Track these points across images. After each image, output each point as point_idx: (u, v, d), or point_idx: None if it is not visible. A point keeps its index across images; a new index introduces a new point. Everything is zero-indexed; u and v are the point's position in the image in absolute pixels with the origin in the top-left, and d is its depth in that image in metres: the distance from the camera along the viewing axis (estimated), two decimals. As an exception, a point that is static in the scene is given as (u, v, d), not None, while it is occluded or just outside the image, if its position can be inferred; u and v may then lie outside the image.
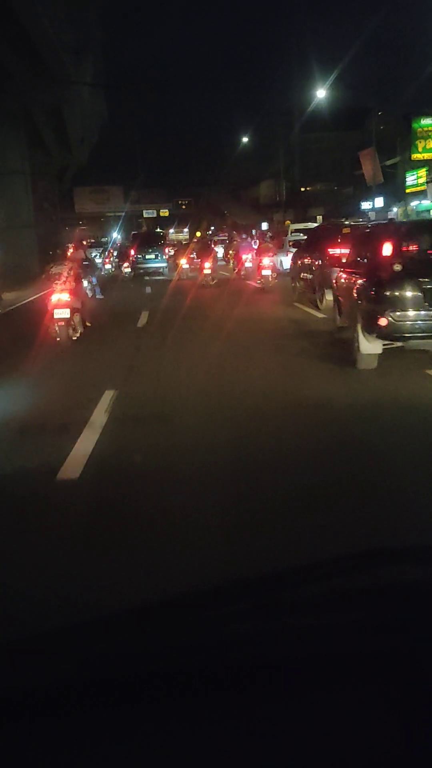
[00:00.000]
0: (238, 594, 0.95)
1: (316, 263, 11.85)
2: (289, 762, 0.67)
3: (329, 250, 11.37)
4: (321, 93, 31.84)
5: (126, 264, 26.70)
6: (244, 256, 20.36)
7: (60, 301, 9.25)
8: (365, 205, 35.07)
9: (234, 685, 0.75)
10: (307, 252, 13.15)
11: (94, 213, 61.33)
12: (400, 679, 0.76)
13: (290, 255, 18.06)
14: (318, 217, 35.70)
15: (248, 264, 19.73)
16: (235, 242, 26.34)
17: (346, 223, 13.14)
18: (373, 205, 33.55)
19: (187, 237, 47.83)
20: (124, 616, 0.91)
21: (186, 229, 59.10)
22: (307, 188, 47.55)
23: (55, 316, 9.20)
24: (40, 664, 0.79)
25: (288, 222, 39.11)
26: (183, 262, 21.99)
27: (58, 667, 0.78)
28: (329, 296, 9.87)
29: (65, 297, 9.32)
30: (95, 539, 3.05)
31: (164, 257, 26.50)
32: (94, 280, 15.90)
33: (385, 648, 0.80)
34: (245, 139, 48.07)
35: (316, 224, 24.32)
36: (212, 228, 62.96)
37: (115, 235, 49.33)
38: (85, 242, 24.66)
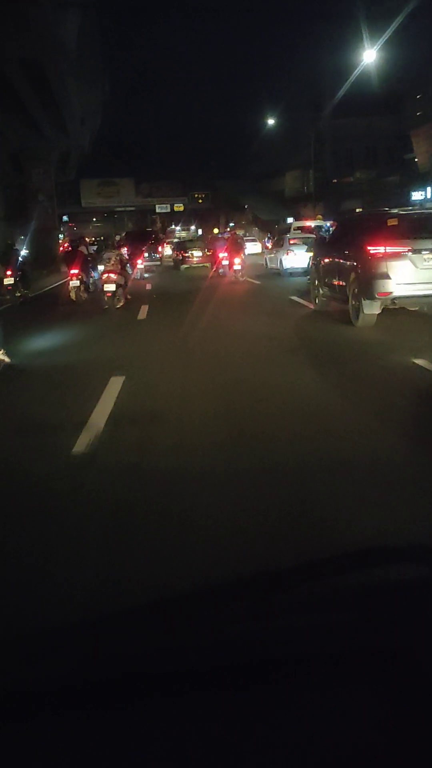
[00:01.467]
0: (236, 593, 0.95)
1: (351, 264, 9.16)
2: (289, 762, 0.67)
3: (370, 247, 8.49)
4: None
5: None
6: (220, 255, 20.72)
7: (109, 278, 12.62)
8: (416, 196, 29.36)
9: (233, 684, 0.75)
10: (334, 249, 10.24)
11: (102, 208, 56.22)
12: (399, 678, 0.76)
13: (290, 254, 18.66)
14: (318, 216, 32.33)
15: (225, 262, 20.22)
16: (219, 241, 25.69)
17: (394, 211, 9.53)
18: (427, 194, 27.88)
19: (195, 236, 45.23)
20: (123, 616, 0.92)
21: (193, 227, 54.90)
22: (341, 179, 42.05)
23: (105, 289, 12.60)
24: (38, 664, 0.80)
25: (319, 216, 34.83)
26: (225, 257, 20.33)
27: (57, 667, 0.78)
28: (371, 309, 8.41)
29: (112, 276, 12.63)
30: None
31: (157, 255, 27.59)
32: (95, 275, 16.05)
33: (384, 647, 0.80)
34: (269, 126, 43.08)
35: (315, 222, 23.57)
36: (231, 224, 57.80)
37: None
38: (88, 239, 25.08)
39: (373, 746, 0.68)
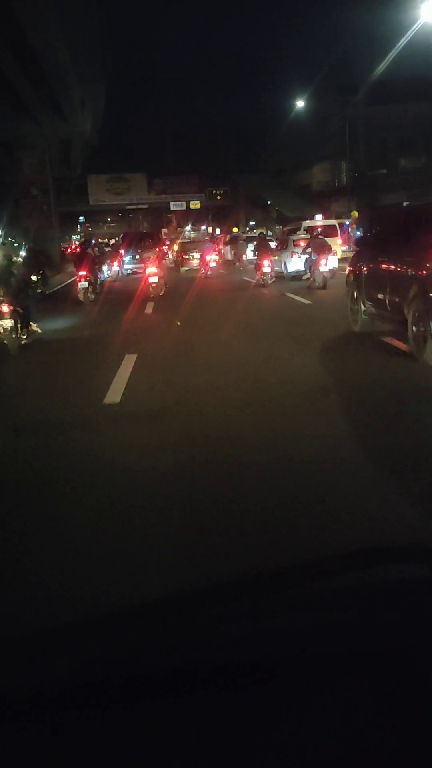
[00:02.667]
0: (235, 593, 0.95)
1: (411, 273, 6.50)
2: (288, 762, 0.68)
3: None
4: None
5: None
6: (208, 257, 21.21)
7: (152, 272, 15.65)
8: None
9: (233, 685, 0.75)
10: (382, 253, 7.57)
11: (112, 206, 51.80)
12: (398, 678, 0.76)
13: (296, 257, 17.60)
14: (354, 213, 29.08)
15: (212, 264, 21.04)
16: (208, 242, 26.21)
17: None
18: None
19: (197, 236, 42.47)
20: (121, 616, 0.92)
21: (204, 227, 51.53)
22: (375, 170, 37.31)
23: (149, 281, 15.40)
24: (36, 664, 0.80)
25: (355, 213, 30.45)
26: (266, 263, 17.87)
27: (55, 667, 0.78)
28: None
29: (154, 269, 15.74)
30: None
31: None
32: (102, 276, 17.99)
33: (384, 647, 0.80)
34: (294, 115, 38.96)
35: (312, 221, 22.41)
36: (251, 222, 53.20)
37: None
38: (96, 241, 26.55)
39: (373, 746, 0.68)
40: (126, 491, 3.49)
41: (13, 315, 8.73)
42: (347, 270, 9.01)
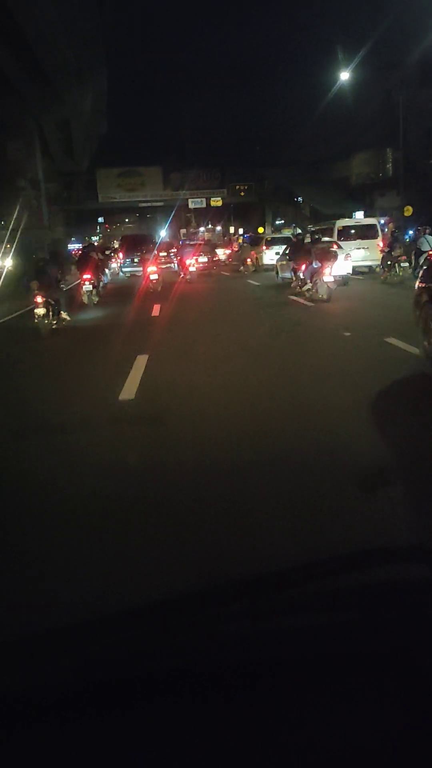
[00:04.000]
0: (235, 594, 0.95)
1: None
2: (289, 762, 0.68)
3: None
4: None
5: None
6: (188, 261, 21.42)
7: (152, 270, 17.58)
8: None
9: (231, 685, 0.75)
10: None
11: (122, 203, 46.55)
12: (398, 679, 0.76)
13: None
14: (407, 209, 25.90)
15: (192, 269, 21.18)
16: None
17: None
18: None
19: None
20: (122, 616, 0.92)
21: (219, 228, 48.07)
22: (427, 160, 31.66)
23: (150, 278, 17.38)
24: (36, 665, 0.80)
25: (409, 208, 26.22)
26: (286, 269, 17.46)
27: (56, 667, 0.79)
28: None
29: (154, 268, 17.75)
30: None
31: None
32: (105, 279, 19.41)
33: (383, 648, 0.80)
34: (329, 99, 33.19)
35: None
36: (279, 221, 47.73)
37: (163, 234, 42.09)
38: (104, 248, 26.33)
39: (373, 746, 0.68)
40: (127, 487, 3.52)
41: (45, 305, 10.49)
42: (416, 286, 6.59)
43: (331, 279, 12.39)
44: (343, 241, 17.63)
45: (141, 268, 22.35)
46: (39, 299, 10.40)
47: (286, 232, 41.79)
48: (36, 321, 10.47)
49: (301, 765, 0.67)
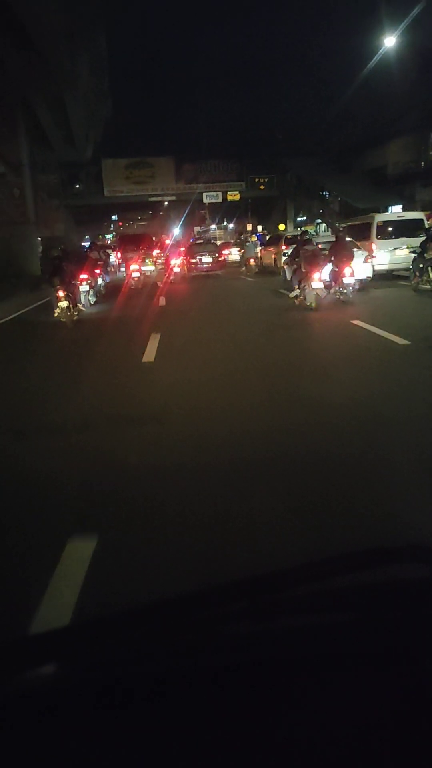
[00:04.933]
0: (234, 594, 0.95)
1: None
2: (289, 763, 0.68)
3: None
4: None
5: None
6: (172, 262, 22.03)
7: (135, 269, 19.51)
8: None
9: (231, 686, 0.76)
10: None
11: (132, 198, 42.41)
12: (398, 679, 0.76)
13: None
14: (396, 206, 25.39)
15: (176, 269, 21.60)
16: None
17: None
18: None
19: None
20: (122, 617, 0.92)
21: (231, 225, 44.84)
22: None
23: (132, 275, 19.40)
24: (36, 665, 0.80)
25: None
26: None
27: (55, 668, 0.79)
28: None
29: (136, 267, 19.54)
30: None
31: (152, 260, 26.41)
32: (107, 278, 19.83)
33: (384, 647, 0.80)
34: (362, 77, 29.07)
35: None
36: (301, 217, 43.54)
37: (177, 232, 41.10)
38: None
39: (373, 746, 0.68)
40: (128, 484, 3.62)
41: (67, 298, 11.70)
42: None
43: (320, 285, 11.36)
44: (382, 239, 15.70)
45: (142, 268, 23.11)
46: (60, 293, 11.63)
47: (307, 229, 37.50)
48: (58, 313, 11.79)
49: (302, 765, 0.67)
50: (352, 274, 11.87)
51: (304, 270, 11.53)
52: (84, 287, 14.15)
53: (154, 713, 0.72)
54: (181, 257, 22.66)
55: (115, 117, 35.62)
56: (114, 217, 58.43)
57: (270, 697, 0.73)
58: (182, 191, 41.73)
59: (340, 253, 12.01)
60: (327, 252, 12.31)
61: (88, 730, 0.71)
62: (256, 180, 42.66)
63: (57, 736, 0.70)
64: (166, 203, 50.15)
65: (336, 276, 12.04)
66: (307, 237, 13.90)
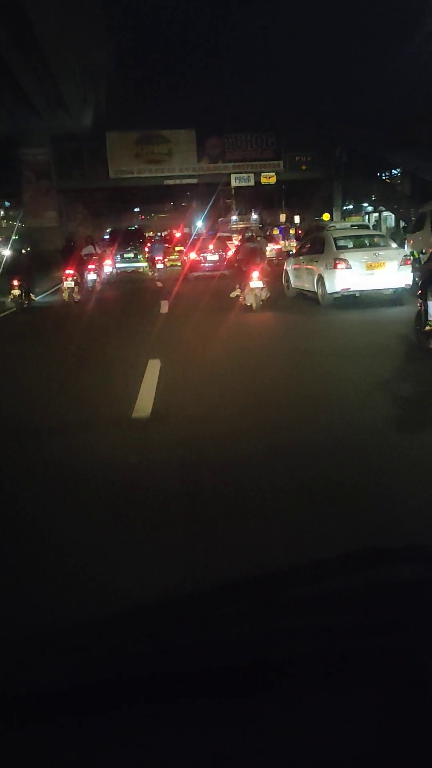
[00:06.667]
0: (235, 594, 0.95)
1: None
2: (289, 762, 0.69)
3: None
4: None
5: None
6: (157, 258, 21.37)
7: (108, 263, 20.24)
8: None
9: (231, 686, 0.76)
10: None
11: (142, 181, 34.57)
12: (399, 679, 0.77)
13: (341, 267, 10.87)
14: None
15: (159, 266, 21.18)
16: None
17: None
18: None
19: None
20: (121, 617, 0.92)
21: (255, 216, 38.55)
22: None
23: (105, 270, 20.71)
24: (36, 665, 0.81)
25: None
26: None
27: (56, 668, 0.80)
28: None
29: (110, 262, 20.11)
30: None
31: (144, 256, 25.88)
32: (103, 276, 19.91)
33: (384, 647, 0.81)
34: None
35: None
36: (347, 205, 35.56)
37: (200, 224, 35.55)
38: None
39: (373, 747, 0.68)
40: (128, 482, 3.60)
41: (20, 288, 13.91)
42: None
43: (260, 285, 10.90)
44: None
45: (134, 265, 23.36)
46: (15, 283, 13.93)
47: (354, 220, 29.48)
48: (65, 293, 15.04)
49: (302, 765, 0.67)
50: (260, 278, 11.02)
51: (243, 269, 11.22)
52: (69, 283, 15.06)
53: (153, 713, 0.72)
54: (165, 255, 22.46)
55: (120, 77, 27.93)
56: (136, 209, 51.62)
57: (270, 697, 0.74)
58: (206, 172, 33.90)
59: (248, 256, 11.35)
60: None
61: (89, 730, 0.71)
62: (297, 158, 34.61)
63: (57, 736, 0.71)
64: (188, 192, 42.47)
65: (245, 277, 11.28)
66: (250, 234, 13.48)
